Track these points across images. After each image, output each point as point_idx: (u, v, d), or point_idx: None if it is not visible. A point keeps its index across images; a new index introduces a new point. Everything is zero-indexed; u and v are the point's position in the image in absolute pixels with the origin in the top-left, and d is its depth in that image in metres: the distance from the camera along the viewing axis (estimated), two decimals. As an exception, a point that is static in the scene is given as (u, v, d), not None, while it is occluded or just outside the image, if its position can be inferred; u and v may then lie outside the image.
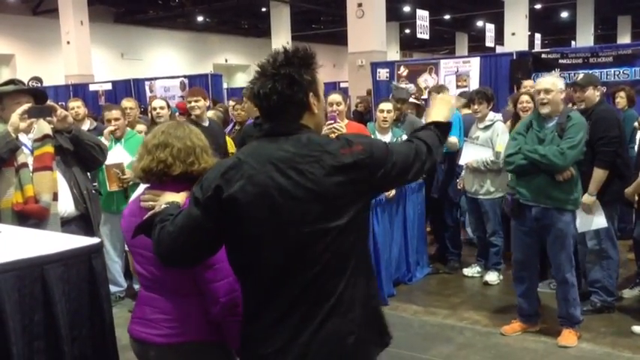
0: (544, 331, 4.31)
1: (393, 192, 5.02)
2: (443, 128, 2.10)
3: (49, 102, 3.72)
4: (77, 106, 6.07)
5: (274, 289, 1.79)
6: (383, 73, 10.55)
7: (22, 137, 3.32)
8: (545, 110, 4.02)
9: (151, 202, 2.09)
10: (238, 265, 1.88)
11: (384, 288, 4.96)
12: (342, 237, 1.78)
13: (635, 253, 5.02)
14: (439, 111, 2.15)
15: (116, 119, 5.03)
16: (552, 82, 4.07)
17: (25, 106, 3.25)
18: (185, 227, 1.80)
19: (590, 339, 4.19)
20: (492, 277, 5.49)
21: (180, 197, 2.06)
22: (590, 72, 7.20)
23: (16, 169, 3.26)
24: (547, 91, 3.99)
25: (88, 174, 3.83)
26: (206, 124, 5.31)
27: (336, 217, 1.76)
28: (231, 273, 2.03)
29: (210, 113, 6.31)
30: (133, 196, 2.48)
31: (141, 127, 5.78)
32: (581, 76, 4.84)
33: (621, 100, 6.81)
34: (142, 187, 2.59)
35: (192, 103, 5.32)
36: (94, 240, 2.39)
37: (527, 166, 4.00)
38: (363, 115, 10.17)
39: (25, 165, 3.28)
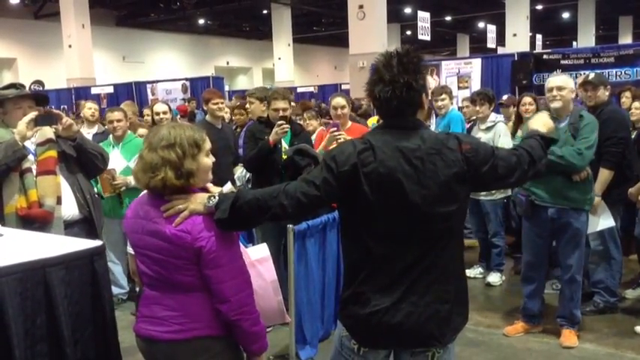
0: (546, 331, 4.30)
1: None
2: (547, 141, 2.33)
3: (54, 109, 3.74)
4: (95, 108, 6.49)
5: (391, 257, 2.08)
6: (384, 75, 10.56)
7: (26, 141, 3.32)
8: (556, 105, 3.98)
9: (179, 207, 2.08)
10: (355, 232, 2.13)
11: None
12: (452, 220, 2.09)
13: (638, 253, 5.01)
14: (543, 124, 2.40)
15: (118, 120, 5.05)
16: (564, 79, 4.05)
17: (32, 115, 3.26)
18: (321, 189, 2.04)
19: (593, 340, 4.18)
20: (495, 278, 5.48)
21: (205, 197, 2.10)
22: (595, 72, 7.22)
23: (20, 174, 3.27)
24: (559, 88, 3.97)
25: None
26: (220, 126, 5.37)
27: (451, 203, 2.06)
28: (242, 274, 2.12)
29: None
30: (138, 197, 2.48)
31: (143, 130, 5.79)
32: (592, 75, 4.85)
33: (627, 99, 6.80)
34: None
35: (219, 105, 5.40)
36: (96, 242, 2.39)
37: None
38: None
39: (29, 170, 3.29)
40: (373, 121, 6.75)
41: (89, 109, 6.40)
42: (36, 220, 3.23)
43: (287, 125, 4.18)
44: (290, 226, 3.76)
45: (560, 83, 4.00)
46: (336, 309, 4.39)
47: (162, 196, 2.13)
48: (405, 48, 2.15)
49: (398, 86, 2.06)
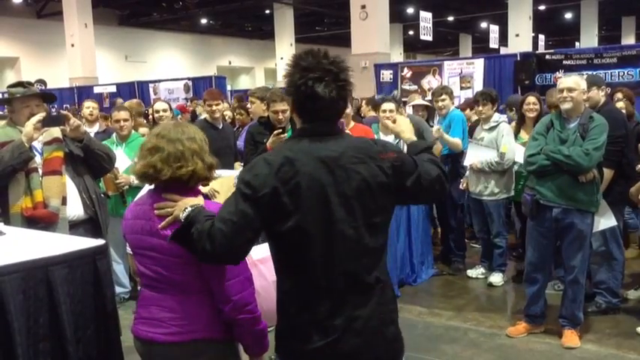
0: (548, 332, 4.29)
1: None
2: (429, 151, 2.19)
3: (57, 108, 3.75)
4: (93, 106, 6.40)
5: (324, 282, 1.88)
6: (387, 75, 10.57)
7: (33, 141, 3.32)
8: (566, 106, 3.97)
9: (167, 209, 2.07)
10: (285, 259, 1.94)
11: (388, 289, 4.95)
12: (379, 234, 1.93)
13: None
14: (411, 130, 2.33)
15: (125, 120, 5.06)
16: (575, 80, 4.04)
17: (40, 116, 3.26)
18: (240, 225, 1.81)
19: (595, 340, 4.18)
20: (497, 278, 5.47)
21: (199, 201, 2.07)
22: (595, 73, 7.20)
23: (25, 174, 3.27)
24: (570, 90, 3.96)
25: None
26: (220, 126, 5.37)
27: (377, 215, 1.91)
28: (243, 271, 2.09)
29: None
30: (135, 199, 2.48)
31: (144, 129, 5.80)
32: (584, 77, 4.83)
33: (620, 101, 6.79)
34: (145, 190, 2.60)
35: (214, 107, 5.39)
36: (99, 241, 2.40)
37: (549, 167, 3.96)
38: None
39: (34, 170, 3.29)
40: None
41: (87, 108, 6.33)
42: (41, 221, 3.23)
43: (284, 134, 4.15)
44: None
45: (572, 84, 3.98)
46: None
47: (162, 196, 2.12)
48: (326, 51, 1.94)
49: (331, 77, 1.88)
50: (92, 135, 5.67)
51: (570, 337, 4.11)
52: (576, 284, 4.08)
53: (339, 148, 1.89)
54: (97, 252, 2.34)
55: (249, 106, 5.89)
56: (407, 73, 10.44)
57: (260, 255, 2.37)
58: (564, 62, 8.60)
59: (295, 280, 1.92)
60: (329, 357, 1.89)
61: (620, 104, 5.52)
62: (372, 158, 1.90)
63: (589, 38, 22.91)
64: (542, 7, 22.15)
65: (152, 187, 2.24)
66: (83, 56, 16.66)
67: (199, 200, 2.08)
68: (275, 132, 4.20)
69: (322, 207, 1.84)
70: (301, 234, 1.85)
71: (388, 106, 5.36)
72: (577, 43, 23.64)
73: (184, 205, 2.01)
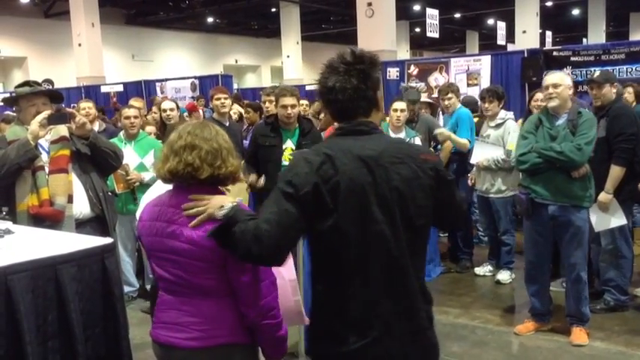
0: (556, 329, 4.28)
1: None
2: None
3: (68, 109, 3.76)
4: (88, 106, 6.10)
5: (360, 283, 1.84)
6: (393, 72, 10.53)
7: (40, 139, 3.33)
8: (553, 104, 3.99)
9: (199, 208, 2.01)
10: (323, 259, 1.91)
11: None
12: (419, 236, 1.91)
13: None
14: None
15: (135, 117, 5.07)
16: (560, 77, 4.06)
17: (45, 114, 3.26)
18: (283, 224, 1.78)
19: (603, 338, 4.16)
20: (504, 276, 5.46)
21: (229, 199, 2.01)
22: (604, 69, 7.16)
23: (32, 172, 3.28)
24: (555, 86, 3.98)
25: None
26: (227, 123, 5.39)
27: (416, 216, 1.87)
28: (268, 276, 2.05)
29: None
30: (147, 199, 2.46)
31: (150, 128, 5.80)
32: (597, 73, 4.81)
33: (629, 95, 6.75)
34: (156, 189, 2.59)
35: (222, 100, 5.41)
36: (107, 240, 2.41)
37: (542, 165, 3.96)
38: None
39: (41, 168, 3.30)
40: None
41: (83, 109, 5.99)
42: (47, 219, 3.24)
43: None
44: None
45: (557, 80, 4.00)
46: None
47: (187, 197, 2.06)
48: (360, 50, 1.93)
49: (353, 73, 1.88)
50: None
51: (578, 335, 4.09)
52: (579, 282, 4.07)
53: (378, 147, 1.87)
54: (105, 250, 2.35)
55: (266, 105, 5.85)
56: (413, 70, 10.41)
57: None
58: (572, 59, 8.53)
59: (332, 280, 1.89)
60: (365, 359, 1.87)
61: (630, 98, 5.49)
62: (412, 158, 1.88)
63: (596, 34, 22.78)
64: (549, 4, 22.06)
65: (170, 187, 2.17)
66: (90, 55, 16.70)
67: (230, 199, 2.01)
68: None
69: (361, 207, 1.82)
70: (340, 234, 1.82)
71: (399, 105, 5.34)
72: (584, 40, 23.51)
73: (219, 203, 1.97)
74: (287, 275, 2.23)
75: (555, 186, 3.97)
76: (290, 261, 2.26)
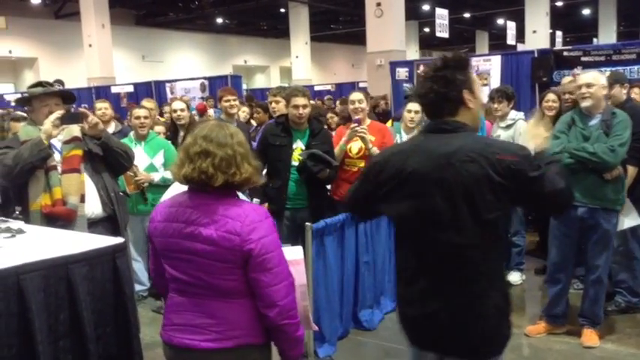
0: (567, 331, 4.24)
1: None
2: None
3: (80, 108, 3.78)
4: (105, 107, 6.08)
5: (424, 262, 2.11)
6: (402, 73, 10.51)
7: (52, 139, 3.35)
8: (586, 104, 3.90)
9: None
10: (397, 236, 2.25)
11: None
12: (486, 230, 2.03)
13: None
14: (536, 140, 2.37)
15: (145, 117, 5.09)
16: (594, 76, 3.96)
17: (58, 113, 3.29)
18: (358, 188, 2.34)
19: (615, 340, 4.13)
20: (515, 277, 5.43)
21: None
22: (615, 69, 7.11)
23: (45, 172, 3.30)
24: (589, 85, 3.88)
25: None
26: (234, 124, 5.39)
27: (484, 212, 2.00)
28: (288, 277, 2.08)
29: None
30: (165, 198, 2.43)
31: (159, 128, 5.81)
32: (607, 74, 4.76)
33: (636, 96, 6.70)
34: (173, 189, 2.59)
35: (232, 102, 5.43)
36: (118, 240, 2.42)
37: (573, 165, 3.87)
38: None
39: (54, 167, 3.32)
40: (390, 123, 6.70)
41: (99, 109, 5.98)
42: (59, 218, 3.25)
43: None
44: (308, 224, 3.76)
45: (590, 80, 3.90)
46: (354, 307, 4.39)
47: (206, 197, 2.06)
48: (454, 52, 2.20)
49: (435, 79, 2.12)
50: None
51: (590, 337, 4.06)
52: (599, 284, 4.03)
53: (453, 146, 2.04)
54: (117, 250, 2.36)
55: (272, 105, 5.84)
56: (423, 70, 10.38)
57: (292, 257, 2.30)
58: (582, 59, 8.47)
59: (403, 254, 2.20)
60: (424, 328, 2.14)
61: (638, 98, 5.45)
62: (486, 158, 1.99)
63: (607, 34, 22.63)
64: (559, 3, 21.95)
65: (186, 188, 2.16)
66: (101, 56, 16.79)
67: None
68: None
69: (428, 199, 2.04)
70: (408, 219, 2.11)
71: (414, 106, 5.29)
72: (595, 40, 23.37)
73: None
74: (298, 280, 2.22)
75: (586, 188, 3.88)
76: (301, 266, 2.26)
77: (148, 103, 6.24)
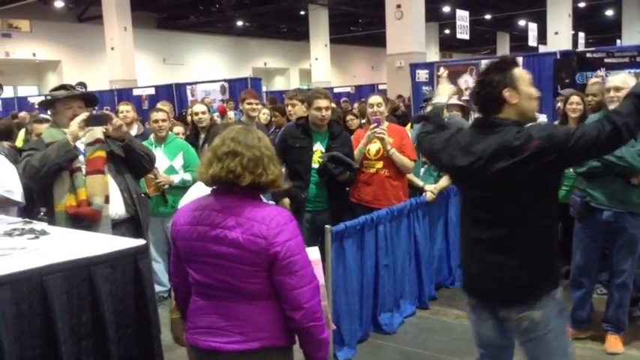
0: (590, 337, 4.18)
1: (434, 195, 4.96)
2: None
3: (104, 111, 3.82)
4: (127, 110, 6.16)
5: (465, 240, 2.60)
6: (422, 75, 10.48)
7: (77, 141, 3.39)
8: (614, 107, 3.86)
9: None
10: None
11: (425, 291, 4.91)
12: (525, 211, 2.36)
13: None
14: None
15: (163, 120, 5.13)
16: (623, 79, 3.89)
17: (84, 115, 3.33)
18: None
19: (639, 346, 4.06)
20: (536, 281, 5.36)
21: None
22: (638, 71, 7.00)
23: (70, 173, 3.34)
24: (617, 89, 3.81)
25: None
26: (254, 127, 5.42)
27: (517, 198, 2.35)
28: (313, 279, 2.09)
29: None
30: (185, 202, 2.45)
31: (178, 128, 5.84)
32: (632, 75, 4.67)
33: None
34: (193, 192, 2.59)
35: (254, 105, 5.46)
36: (140, 241, 2.43)
37: (600, 169, 3.81)
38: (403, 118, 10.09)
39: (78, 169, 3.36)
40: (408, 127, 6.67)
41: (121, 112, 6.10)
42: (85, 219, 3.29)
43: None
44: (327, 227, 3.76)
45: (619, 83, 3.83)
46: (374, 311, 4.37)
47: (231, 200, 2.07)
48: (502, 56, 2.68)
49: (478, 84, 2.46)
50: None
51: (614, 343, 4.00)
52: (624, 288, 3.96)
53: (489, 142, 2.37)
54: (138, 252, 2.37)
55: (289, 108, 5.86)
56: (443, 72, 10.33)
57: (311, 257, 2.34)
58: (606, 60, 8.37)
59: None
60: (471, 289, 2.57)
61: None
62: (513, 154, 2.29)
63: (631, 35, 22.29)
64: (581, 4, 21.69)
65: (207, 190, 2.18)
66: (123, 59, 16.99)
67: None
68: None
69: (460, 183, 2.60)
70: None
71: None
72: (618, 41, 23.05)
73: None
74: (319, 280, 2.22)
75: (612, 191, 3.83)
76: (319, 266, 2.27)
77: (164, 106, 6.28)
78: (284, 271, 2.02)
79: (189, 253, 2.14)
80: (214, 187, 2.15)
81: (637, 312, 4.45)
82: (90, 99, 3.70)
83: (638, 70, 7.32)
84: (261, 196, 2.21)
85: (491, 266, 2.42)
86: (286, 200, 4.30)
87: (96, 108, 7.23)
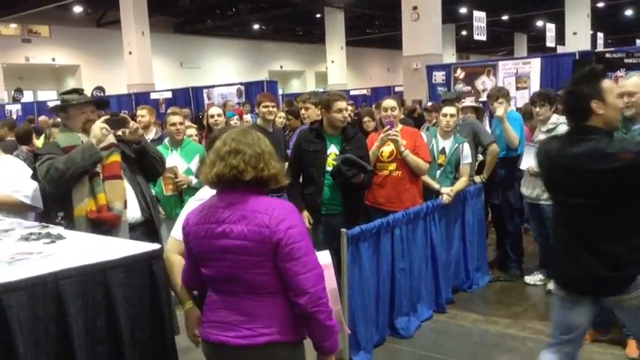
0: (611, 341, 4.11)
1: (450, 197, 4.93)
2: None
3: (121, 114, 3.86)
4: (141, 114, 6.20)
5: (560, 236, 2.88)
6: (439, 76, 10.42)
7: None
8: (629, 112, 3.81)
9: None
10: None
11: (442, 294, 4.87)
12: (604, 213, 2.58)
13: None
14: None
15: (180, 123, 5.15)
16: (636, 83, 3.83)
17: (104, 118, 3.36)
18: None
19: (661, 351, 3.98)
20: (556, 285, 5.29)
21: None
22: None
23: (89, 178, 3.35)
24: (631, 94, 3.76)
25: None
26: (271, 130, 5.42)
27: (594, 200, 2.58)
28: (317, 266, 2.14)
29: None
30: (193, 204, 2.49)
31: (191, 130, 5.88)
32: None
33: None
34: (202, 193, 2.62)
35: (270, 108, 5.46)
36: (155, 246, 2.43)
37: None
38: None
39: (97, 174, 3.36)
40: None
41: (141, 116, 6.10)
42: (106, 223, 3.30)
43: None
44: (343, 230, 3.74)
45: (631, 88, 3.78)
46: (390, 314, 4.34)
47: (235, 196, 2.15)
48: (591, 66, 2.85)
49: (567, 94, 2.69)
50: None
51: (634, 348, 3.92)
52: None
53: (575, 151, 2.58)
54: (153, 256, 2.37)
55: (302, 111, 5.86)
56: (460, 74, 10.26)
57: (320, 261, 2.33)
58: (625, 61, 8.26)
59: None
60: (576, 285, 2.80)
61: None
62: (601, 162, 2.49)
63: (652, 35, 22.02)
64: (600, 4, 21.45)
65: (213, 193, 2.26)
66: (140, 63, 17.11)
67: None
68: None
69: (554, 186, 2.85)
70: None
71: (449, 110, 5.22)
72: (638, 41, 22.76)
73: None
74: (328, 285, 2.23)
75: None
76: (330, 270, 2.27)
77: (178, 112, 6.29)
78: (287, 257, 2.08)
79: (200, 251, 2.22)
80: (219, 186, 2.23)
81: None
82: (100, 103, 3.72)
83: (658, 70, 7.20)
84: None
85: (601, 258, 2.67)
86: (305, 213, 4.29)
87: (113, 110, 7.22)
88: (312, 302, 2.09)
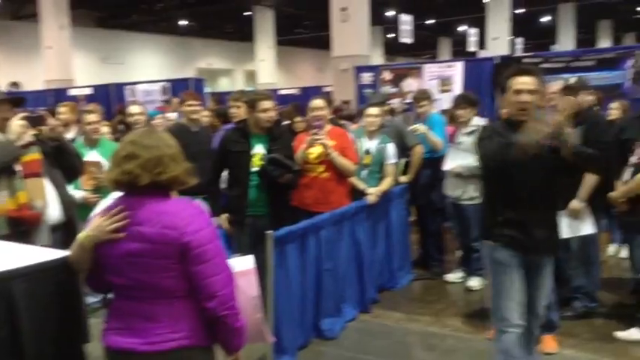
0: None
1: (374, 197, 4.98)
2: None
3: (40, 111, 3.79)
4: (62, 111, 5.97)
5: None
6: (367, 78, 10.52)
7: None
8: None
9: None
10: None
11: (367, 294, 4.91)
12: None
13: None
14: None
15: (97, 122, 4.96)
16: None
17: (21, 115, 3.29)
18: None
19: (573, 345, 4.17)
20: (475, 282, 5.45)
21: None
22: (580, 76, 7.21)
23: (6, 176, 3.23)
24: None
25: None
26: (197, 129, 5.29)
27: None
28: (226, 268, 2.10)
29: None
30: (100, 208, 2.41)
31: (105, 129, 5.69)
32: (572, 80, 4.80)
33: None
34: (110, 198, 2.53)
35: (194, 107, 5.32)
36: (64, 253, 2.32)
37: None
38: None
39: (14, 172, 3.25)
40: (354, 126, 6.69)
41: (62, 113, 5.86)
42: (26, 222, 3.20)
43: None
44: (268, 232, 3.70)
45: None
46: (316, 316, 4.33)
47: (139, 198, 2.08)
48: None
49: None
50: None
51: (549, 343, 4.08)
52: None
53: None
54: (62, 263, 2.25)
55: (234, 110, 5.68)
56: (387, 75, 10.41)
57: (241, 267, 2.29)
58: (543, 65, 8.61)
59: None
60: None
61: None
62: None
63: (566, 41, 23.18)
64: (520, 10, 22.35)
65: (118, 194, 2.18)
66: (59, 58, 16.39)
67: None
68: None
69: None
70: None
71: (373, 110, 5.30)
72: (555, 46, 23.89)
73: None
74: (250, 292, 2.18)
75: None
76: (252, 276, 2.22)
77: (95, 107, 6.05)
78: (197, 260, 2.03)
79: (105, 255, 2.13)
80: (120, 190, 2.16)
81: (570, 312, 4.58)
82: (16, 101, 3.57)
83: (573, 75, 7.55)
84: (202, 205, 2.20)
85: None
86: (224, 216, 4.26)
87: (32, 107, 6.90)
88: (221, 306, 2.06)
